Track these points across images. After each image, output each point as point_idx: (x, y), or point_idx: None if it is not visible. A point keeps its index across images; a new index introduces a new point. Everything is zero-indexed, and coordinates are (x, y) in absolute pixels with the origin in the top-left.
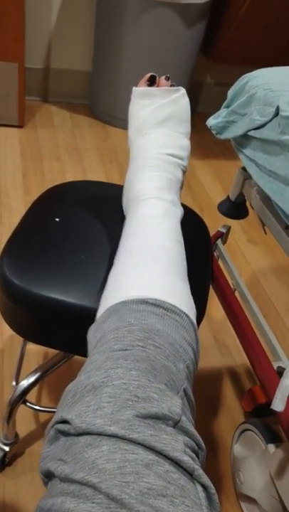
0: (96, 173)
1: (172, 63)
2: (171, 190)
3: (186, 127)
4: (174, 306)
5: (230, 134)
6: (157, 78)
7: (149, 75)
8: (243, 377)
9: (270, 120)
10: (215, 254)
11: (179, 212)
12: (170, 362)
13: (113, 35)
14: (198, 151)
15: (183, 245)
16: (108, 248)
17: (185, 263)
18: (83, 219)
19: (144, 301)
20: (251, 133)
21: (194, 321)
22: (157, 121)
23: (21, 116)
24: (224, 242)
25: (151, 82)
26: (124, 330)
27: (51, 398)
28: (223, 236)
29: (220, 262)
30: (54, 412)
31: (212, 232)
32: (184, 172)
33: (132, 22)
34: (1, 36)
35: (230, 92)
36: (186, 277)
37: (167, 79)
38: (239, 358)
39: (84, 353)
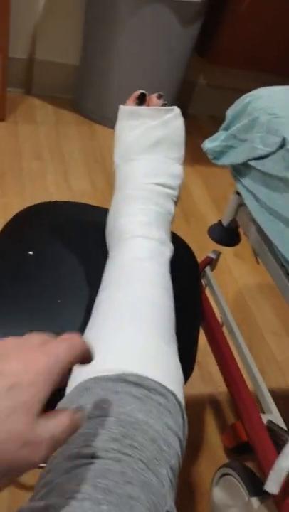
0: (79, 177)
1: (165, 61)
2: (159, 226)
3: (179, 151)
4: (157, 383)
5: (228, 160)
6: (147, 96)
7: (138, 92)
8: (226, 407)
9: (275, 152)
10: (202, 282)
11: (168, 251)
12: (150, 472)
13: (104, 29)
14: (187, 156)
15: (171, 292)
16: (88, 290)
17: (173, 315)
18: (61, 252)
19: (123, 379)
20: (252, 163)
21: (181, 399)
22: (146, 146)
23: (2, 109)
24: (213, 268)
25: (141, 100)
26: (97, 422)
27: None
28: (212, 262)
29: (207, 290)
30: None
31: (199, 250)
32: (175, 203)
33: (124, 16)
34: None
35: (230, 113)
36: (174, 334)
37: (159, 97)
38: (222, 386)
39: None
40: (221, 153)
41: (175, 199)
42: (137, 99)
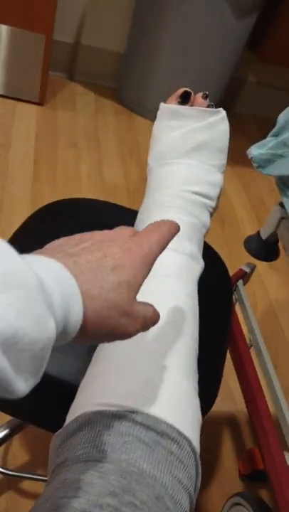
0: (113, 169)
1: (214, 55)
2: (192, 239)
3: (222, 159)
4: (171, 426)
5: (275, 170)
6: (192, 95)
7: (182, 90)
8: (245, 428)
9: None
10: (233, 297)
11: (199, 268)
12: None
13: (154, 17)
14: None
15: (197, 316)
16: None
17: (196, 344)
18: None
19: (131, 419)
20: None
21: (197, 447)
22: (187, 149)
23: (42, 93)
24: (246, 282)
25: (184, 99)
26: (94, 469)
27: (21, 462)
28: (246, 276)
29: (237, 306)
30: (24, 477)
31: (231, 257)
32: (211, 214)
33: (176, 5)
34: (28, 3)
35: (282, 118)
36: (195, 365)
37: (205, 97)
38: (242, 404)
39: (52, 427)
40: (267, 161)
41: (212, 210)
42: (179, 97)
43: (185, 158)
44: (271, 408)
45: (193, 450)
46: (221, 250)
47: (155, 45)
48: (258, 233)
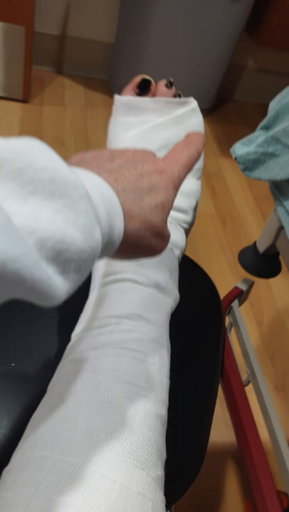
0: None
1: (210, 41)
2: (160, 265)
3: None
4: None
5: (266, 173)
6: (153, 84)
7: (139, 78)
8: None
9: None
10: (226, 320)
11: (170, 300)
12: None
13: (144, 2)
14: (228, 146)
15: (166, 368)
16: (55, 350)
17: (164, 410)
18: None
19: None
20: None
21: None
22: None
23: (26, 89)
24: (242, 301)
25: (143, 89)
26: None
27: None
28: (242, 295)
29: (232, 331)
30: None
31: (235, 260)
32: (186, 231)
33: None
34: None
35: (274, 106)
36: (163, 454)
37: (169, 84)
38: None
39: None
40: (256, 162)
41: (186, 226)
42: (136, 87)
43: None
44: (273, 466)
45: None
46: (223, 253)
47: (146, 32)
48: (254, 245)
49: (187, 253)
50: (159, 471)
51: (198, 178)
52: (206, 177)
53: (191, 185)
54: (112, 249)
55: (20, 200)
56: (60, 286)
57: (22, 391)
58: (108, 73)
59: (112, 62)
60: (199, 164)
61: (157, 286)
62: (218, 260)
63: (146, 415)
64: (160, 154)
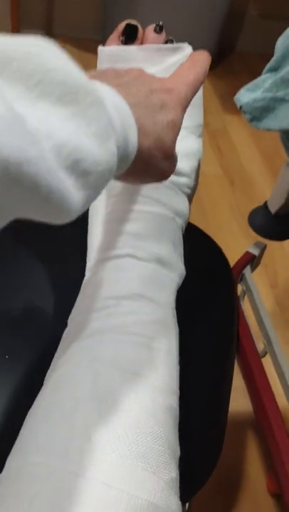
0: None
1: None
2: (161, 238)
3: (196, 116)
4: None
5: (276, 122)
6: (140, 30)
7: (123, 24)
8: None
9: None
10: (239, 288)
11: (175, 276)
12: None
13: None
14: (232, 103)
15: (173, 350)
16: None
17: (172, 399)
18: (24, 260)
19: None
20: None
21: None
22: None
23: None
24: (255, 267)
25: (129, 36)
26: None
27: None
28: (255, 260)
29: (245, 299)
30: None
31: (243, 208)
32: (189, 197)
33: None
34: None
35: (281, 43)
36: (176, 451)
37: (159, 29)
38: None
39: None
40: (264, 110)
41: (189, 191)
42: (122, 35)
43: None
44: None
45: None
46: (233, 216)
47: None
48: (265, 205)
49: (194, 218)
50: (173, 473)
51: (198, 136)
52: (211, 135)
53: (191, 144)
54: (126, 165)
55: (30, 103)
56: (76, 199)
57: (15, 382)
58: (101, 32)
59: (105, 20)
60: (199, 120)
61: (160, 260)
62: (228, 223)
63: (154, 408)
64: None
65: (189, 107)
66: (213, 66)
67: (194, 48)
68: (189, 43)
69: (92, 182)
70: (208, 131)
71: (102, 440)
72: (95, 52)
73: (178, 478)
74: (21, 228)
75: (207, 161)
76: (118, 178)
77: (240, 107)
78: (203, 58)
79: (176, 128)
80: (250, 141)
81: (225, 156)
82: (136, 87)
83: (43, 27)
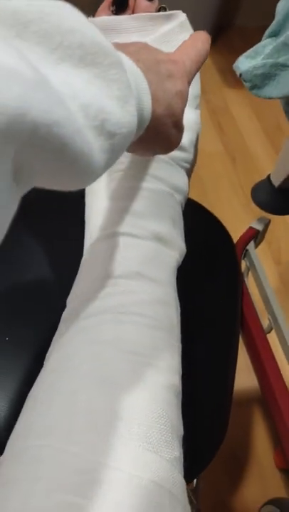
0: None
1: None
2: (160, 215)
3: (193, 86)
4: None
5: (278, 90)
6: None
7: None
8: None
9: None
10: (242, 264)
11: (175, 253)
12: None
13: None
14: (233, 78)
15: (176, 329)
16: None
17: (176, 378)
18: (24, 240)
19: None
20: None
21: None
22: None
23: None
24: (259, 242)
25: (120, 5)
26: None
27: None
28: (259, 236)
29: (249, 276)
30: None
31: (245, 184)
32: (188, 172)
33: None
34: None
35: (282, 6)
36: (179, 429)
37: None
38: None
39: None
40: (265, 77)
41: (187, 165)
42: (112, 4)
43: None
44: None
45: None
46: (236, 193)
47: None
48: (269, 179)
49: (196, 196)
50: (176, 451)
51: (196, 108)
52: (212, 112)
53: (188, 116)
54: (141, 131)
55: (51, 66)
56: (100, 161)
57: (17, 366)
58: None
59: None
60: (196, 91)
61: (159, 238)
62: (230, 201)
63: (156, 388)
64: None
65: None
66: (213, 41)
67: (193, 23)
68: (188, 18)
69: (116, 144)
70: (209, 108)
71: (103, 421)
72: (88, 10)
73: (181, 457)
74: (22, 210)
75: (208, 138)
76: (130, 147)
77: (240, 75)
78: (204, 37)
79: (184, 98)
80: (251, 117)
81: (226, 133)
82: (144, 55)
83: None
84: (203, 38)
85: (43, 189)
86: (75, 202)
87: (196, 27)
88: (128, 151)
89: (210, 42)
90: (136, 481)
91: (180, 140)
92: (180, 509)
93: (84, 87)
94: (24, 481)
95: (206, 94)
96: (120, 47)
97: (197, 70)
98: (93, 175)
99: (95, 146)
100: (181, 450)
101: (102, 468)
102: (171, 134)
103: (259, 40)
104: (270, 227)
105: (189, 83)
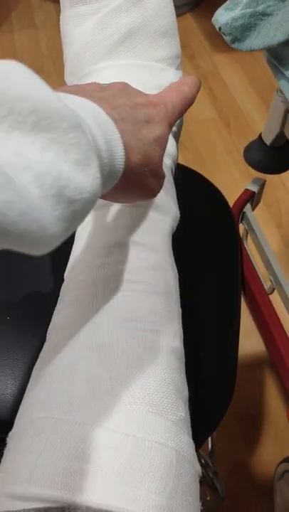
0: None
1: None
2: None
3: (171, 45)
4: None
5: (259, 40)
6: None
7: None
8: None
9: None
10: (241, 227)
11: (168, 219)
12: None
13: None
14: (221, 42)
15: (173, 294)
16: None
17: (176, 343)
18: None
19: None
20: None
21: None
22: (110, 44)
23: None
24: (256, 204)
25: None
26: None
27: None
28: (255, 197)
29: (248, 239)
30: None
31: (241, 149)
32: (175, 134)
33: None
34: None
35: None
36: (184, 391)
37: None
38: None
39: None
40: (245, 28)
41: (175, 128)
42: None
43: (112, 58)
44: None
45: None
46: (232, 158)
47: None
48: (260, 138)
49: (191, 163)
50: (181, 412)
51: (177, 68)
52: (202, 78)
53: (170, 76)
54: (113, 183)
55: (2, 136)
56: (56, 230)
57: (22, 344)
58: None
59: None
60: (176, 51)
61: (150, 204)
62: (227, 167)
63: (157, 352)
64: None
65: (164, 36)
66: (196, 5)
67: None
68: None
69: (78, 210)
70: (199, 74)
71: (104, 388)
72: None
73: (188, 418)
74: None
75: (200, 104)
76: (105, 196)
77: (220, 29)
78: (191, 82)
79: (162, 143)
80: (243, 80)
81: (218, 99)
82: (121, 100)
83: None
84: (190, 83)
85: None
86: None
87: None
88: (104, 198)
89: (199, 87)
90: (139, 443)
91: (160, 187)
92: (188, 467)
93: (38, 155)
94: (30, 454)
95: (194, 60)
96: (98, 90)
97: (180, 115)
98: (48, 245)
99: (51, 216)
100: (188, 411)
101: (104, 433)
102: (148, 183)
103: None
104: (269, 190)
105: (171, 125)
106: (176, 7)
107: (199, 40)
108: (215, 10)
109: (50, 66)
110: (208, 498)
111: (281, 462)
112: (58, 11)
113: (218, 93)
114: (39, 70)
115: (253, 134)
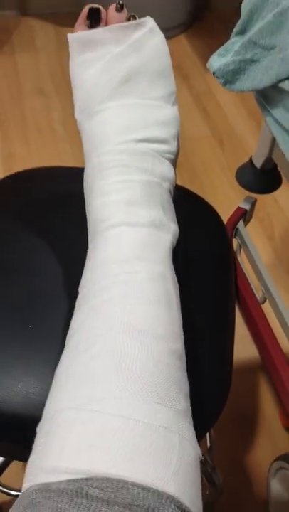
0: None
1: None
2: (150, 203)
3: (167, 85)
4: (146, 489)
5: (248, 83)
6: (103, 11)
7: (86, 8)
8: None
9: None
10: (234, 242)
11: (169, 235)
12: None
13: None
14: None
15: (174, 303)
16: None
17: (178, 345)
18: (36, 243)
19: (85, 493)
20: (286, 84)
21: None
22: (113, 86)
23: None
24: (248, 221)
25: (94, 19)
26: None
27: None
28: (247, 214)
29: (242, 253)
30: None
31: (234, 167)
32: (173, 162)
33: None
34: None
35: (245, 6)
36: (185, 386)
37: (120, 7)
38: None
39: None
40: (236, 72)
41: (172, 156)
42: (87, 19)
43: (115, 98)
44: None
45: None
46: (225, 176)
47: None
48: (251, 161)
49: (186, 181)
50: (182, 404)
51: (172, 104)
52: (196, 98)
53: (166, 112)
54: None
55: None
56: None
57: (42, 348)
58: (78, 4)
59: None
60: (171, 89)
61: (152, 224)
62: (221, 184)
63: (160, 354)
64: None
65: (159, 77)
66: (191, 26)
67: (171, 7)
68: (164, 5)
69: None
70: (193, 94)
71: (117, 384)
72: (70, 25)
73: (189, 409)
74: (22, 211)
75: (194, 123)
76: None
77: (214, 73)
78: None
79: None
80: (236, 100)
81: (212, 118)
82: None
83: (17, 7)
84: None
85: (44, 191)
86: (78, 202)
87: (173, 11)
88: None
89: None
90: (148, 427)
91: None
92: (191, 450)
93: None
94: (59, 437)
95: (188, 80)
96: None
97: None
98: None
99: None
100: (189, 405)
101: (119, 420)
102: None
103: (236, 22)
104: (260, 204)
105: None
106: (170, 29)
107: (193, 61)
108: (207, 31)
109: (50, 87)
110: (207, 492)
111: (275, 460)
112: (58, 34)
113: (212, 112)
114: (40, 91)
115: (246, 152)
